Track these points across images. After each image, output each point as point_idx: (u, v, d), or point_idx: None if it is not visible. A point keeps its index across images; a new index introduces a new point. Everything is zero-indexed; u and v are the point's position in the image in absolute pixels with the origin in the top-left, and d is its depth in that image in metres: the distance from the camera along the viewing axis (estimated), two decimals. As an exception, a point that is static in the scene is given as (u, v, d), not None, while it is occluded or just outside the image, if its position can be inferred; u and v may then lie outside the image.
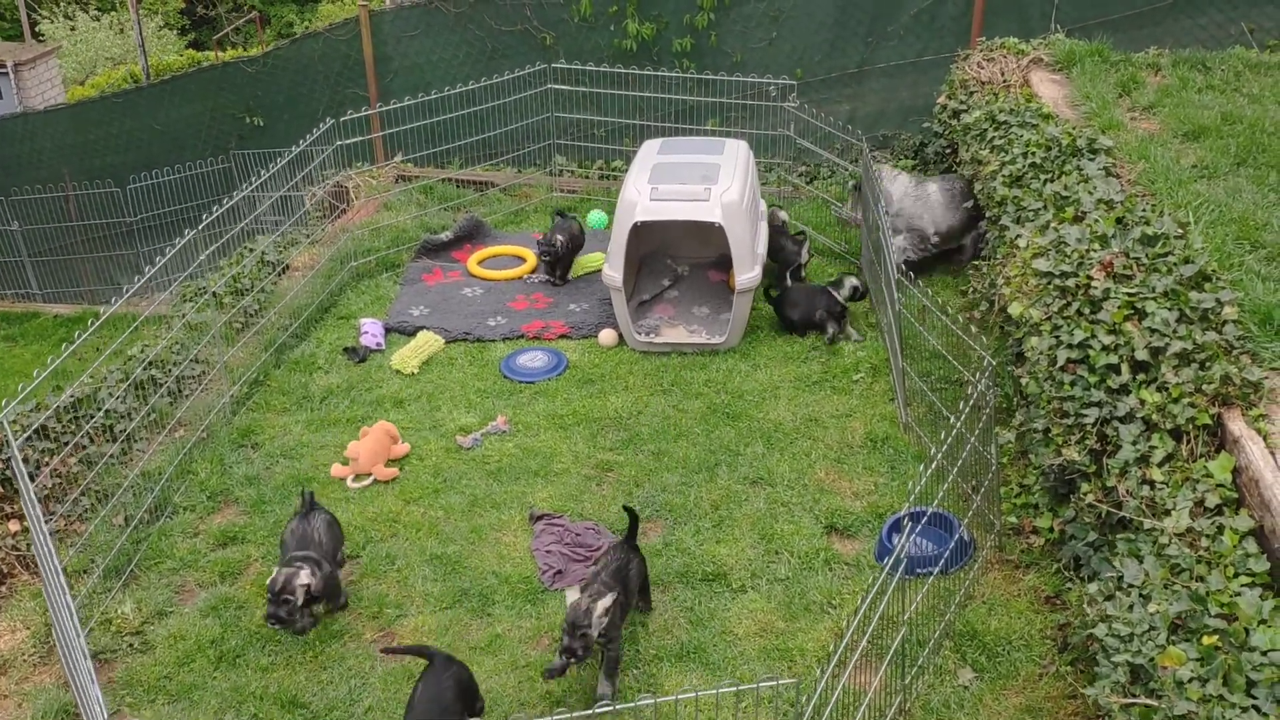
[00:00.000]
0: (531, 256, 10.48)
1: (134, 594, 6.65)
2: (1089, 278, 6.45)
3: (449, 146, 11.49)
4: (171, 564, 6.91)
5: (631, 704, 5.34)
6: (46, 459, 7.11)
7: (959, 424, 5.98)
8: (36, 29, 27.87)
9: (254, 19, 29.03)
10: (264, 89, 14.38)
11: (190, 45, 30.22)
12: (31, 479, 6.40)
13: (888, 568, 5.17)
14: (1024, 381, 6.67)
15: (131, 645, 6.30)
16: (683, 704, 5.39)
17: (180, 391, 8.18)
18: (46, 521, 6.00)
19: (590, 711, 4.45)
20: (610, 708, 4.63)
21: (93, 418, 7.35)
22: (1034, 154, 8.23)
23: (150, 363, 7.95)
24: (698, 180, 8.82)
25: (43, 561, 5.86)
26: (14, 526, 6.98)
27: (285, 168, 9.53)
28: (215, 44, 26.10)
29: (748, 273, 8.72)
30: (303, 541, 6.35)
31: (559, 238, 9.98)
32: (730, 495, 7.25)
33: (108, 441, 7.47)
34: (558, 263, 10.08)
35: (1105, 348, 6.02)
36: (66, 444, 7.18)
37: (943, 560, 6.07)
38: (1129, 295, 6.15)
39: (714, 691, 5.02)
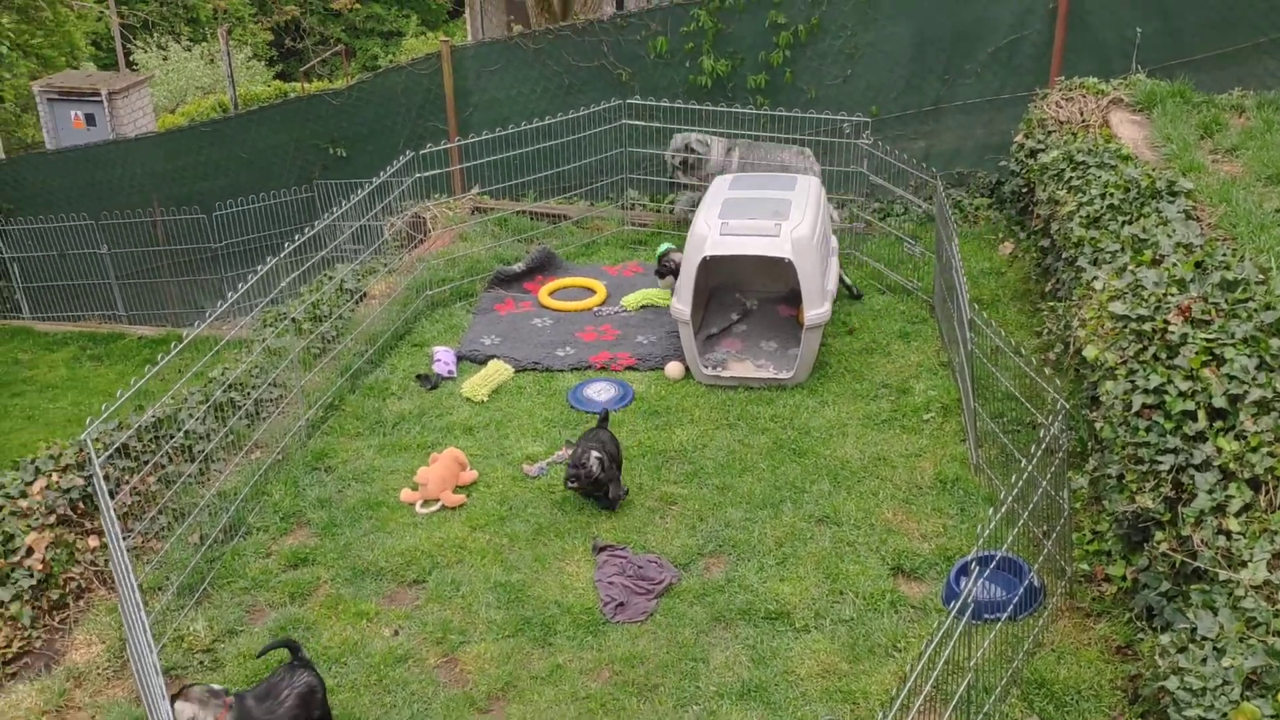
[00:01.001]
0: (601, 288, 10.57)
1: (206, 612, 6.80)
2: (1166, 322, 6.35)
3: (524, 180, 11.66)
4: (243, 583, 7.06)
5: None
6: (127, 477, 7.32)
7: (1031, 467, 5.90)
8: (131, 58, 28.84)
9: (340, 52, 29.77)
10: (348, 120, 14.73)
11: (277, 76, 31.08)
12: (111, 496, 6.59)
13: (954, 612, 5.10)
14: (1098, 426, 6.56)
15: (202, 662, 6.43)
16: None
17: (258, 414, 8.37)
18: (124, 538, 6.17)
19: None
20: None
21: (173, 438, 7.55)
22: (1112, 195, 8.13)
23: (230, 385, 8.15)
24: (768, 215, 8.84)
25: (119, 578, 6.03)
26: (93, 542, 7.18)
27: (366, 198, 9.76)
28: (302, 75, 26.80)
29: (817, 308, 8.70)
30: (263, 694, 5.66)
31: (594, 455, 7.37)
32: (795, 533, 7.21)
33: (186, 461, 7.67)
34: (596, 486, 7.50)
35: (1182, 393, 5.91)
36: (146, 463, 7.37)
37: (1011, 606, 5.98)
38: (1207, 341, 6.04)
39: (774, 730, 5.00)
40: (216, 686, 5.56)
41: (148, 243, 16.13)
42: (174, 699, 5.35)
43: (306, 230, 8.85)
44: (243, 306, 8.18)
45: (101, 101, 20.12)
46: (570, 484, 7.41)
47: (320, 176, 15.08)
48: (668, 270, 10.16)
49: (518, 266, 11.02)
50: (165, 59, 28.87)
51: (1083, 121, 9.80)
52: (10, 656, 6.50)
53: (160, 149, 16.33)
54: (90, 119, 20.48)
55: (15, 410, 12.87)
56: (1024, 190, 10.37)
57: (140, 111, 20.98)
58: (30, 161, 17.60)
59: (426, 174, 10.71)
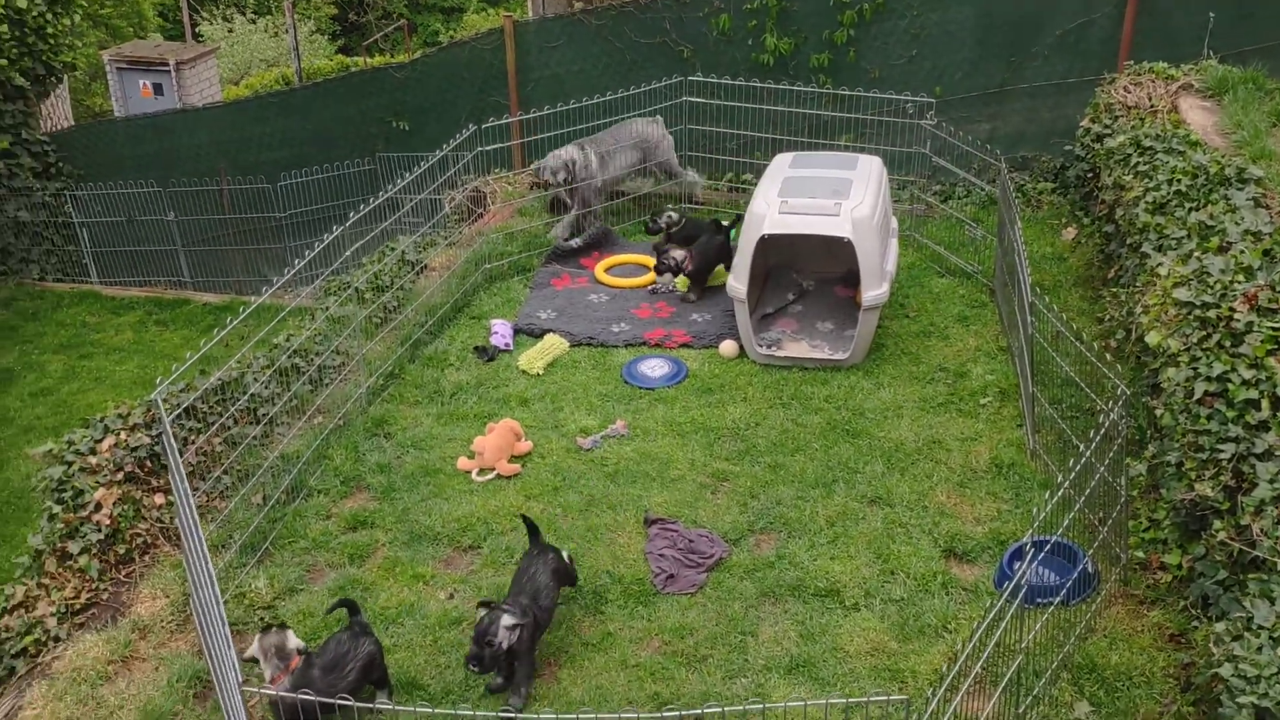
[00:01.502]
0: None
1: (267, 570, 6.97)
2: (1231, 309, 6.27)
3: (584, 155, 11.69)
4: (304, 544, 7.22)
5: (741, 707, 5.38)
6: (193, 438, 7.50)
7: (1089, 453, 5.87)
8: (196, 30, 29.25)
9: (402, 27, 29.95)
10: (411, 94, 14.83)
11: (340, 50, 31.32)
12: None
13: (1006, 595, 5.11)
14: (1158, 413, 6.51)
15: (262, 619, 6.60)
16: (791, 712, 5.42)
17: (320, 380, 8.53)
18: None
19: (697, 711, 4.51)
20: (676, 714, 4.67)
21: (238, 400, 7.72)
22: (1179, 181, 8.02)
23: (294, 351, 8.32)
24: (828, 195, 8.82)
25: (186, 534, 6.20)
26: (159, 500, 7.38)
27: (428, 171, 9.87)
28: (364, 50, 27.00)
29: (875, 289, 8.68)
30: (329, 664, 5.75)
31: (504, 622, 5.76)
32: (847, 512, 7.23)
33: (251, 424, 7.84)
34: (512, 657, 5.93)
35: (1245, 382, 5.84)
36: (212, 424, 7.55)
37: (1064, 591, 5.96)
38: (1273, 329, 5.96)
39: (823, 702, 5.04)
40: (295, 642, 5.77)
41: (213, 211, 16.36)
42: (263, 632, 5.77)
43: (369, 202, 8.98)
44: (306, 276, 8.33)
45: (169, 71, 20.43)
46: (471, 665, 5.79)
47: (383, 149, 15.21)
48: (666, 268, 10.05)
49: (575, 242, 11.09)
50: (230, 31, 29.21)
51: (1151, 107, 9.66)
52: (78, 608, 6.71)
53: (227, 119, 16.54)
54: (158, 88, 20.81)
55: (83, 371, 13.18)
56: (1089, 175, 10.24)
57: (207, 82, 21.27)
58: (100, 129, 17.91)
59: (487, 148, 10.79)
